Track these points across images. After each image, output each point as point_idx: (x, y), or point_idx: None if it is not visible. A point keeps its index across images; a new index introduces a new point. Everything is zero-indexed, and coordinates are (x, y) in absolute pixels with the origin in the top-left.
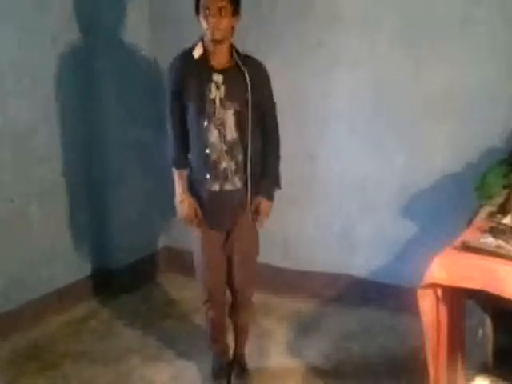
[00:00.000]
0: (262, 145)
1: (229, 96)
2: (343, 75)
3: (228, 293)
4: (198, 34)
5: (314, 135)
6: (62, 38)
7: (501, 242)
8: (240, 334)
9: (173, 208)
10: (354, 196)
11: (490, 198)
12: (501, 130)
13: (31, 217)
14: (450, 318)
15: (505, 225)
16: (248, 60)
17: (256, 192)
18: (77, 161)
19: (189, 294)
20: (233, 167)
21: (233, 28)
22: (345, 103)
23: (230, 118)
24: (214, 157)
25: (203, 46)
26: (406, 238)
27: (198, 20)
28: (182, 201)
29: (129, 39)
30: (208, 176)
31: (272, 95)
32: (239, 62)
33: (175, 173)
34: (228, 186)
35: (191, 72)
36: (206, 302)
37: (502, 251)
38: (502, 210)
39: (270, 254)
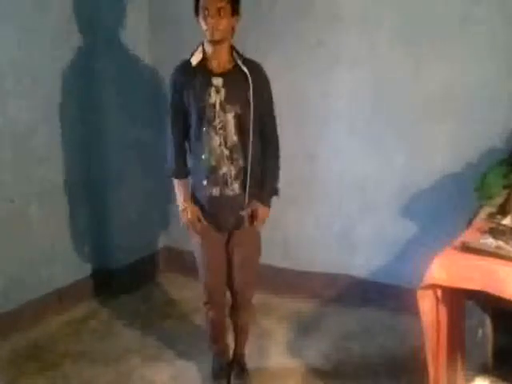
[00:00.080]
0: (262, 148)
1: (229, 99)
2: (343, 75)
3: (228, 293)
4: (198, 35)
5: (314, 135)
6: (62, 38)
7: (501, 243)
8: (240, 335)
9: (173, 208)
10: (353, 196)
11: (490, 198)
12: (501, 129)
13: (31, 217)
14: (449, 319)
15: (505, 226)
16: (247, 62)
17: (253, 197)
18: (77, 161)
19: (189, 294)
20: (233, 172)
21: (233, 29)
22: (345, 103)
23: (230, 121)
24: (213, 162)
25: (203, 49)
26: (405, 237)
27: (198, 21)
28: (185, 209)
29: (128, 40)
30: (207, 181)
31: (271, 98)
32: (240, 63)
33: (175, 182)
34: (228, 192)
35: (190, 81)
36: (206, 303)
37: (502, 252)
38: (502, 211)
39: (270, 254)
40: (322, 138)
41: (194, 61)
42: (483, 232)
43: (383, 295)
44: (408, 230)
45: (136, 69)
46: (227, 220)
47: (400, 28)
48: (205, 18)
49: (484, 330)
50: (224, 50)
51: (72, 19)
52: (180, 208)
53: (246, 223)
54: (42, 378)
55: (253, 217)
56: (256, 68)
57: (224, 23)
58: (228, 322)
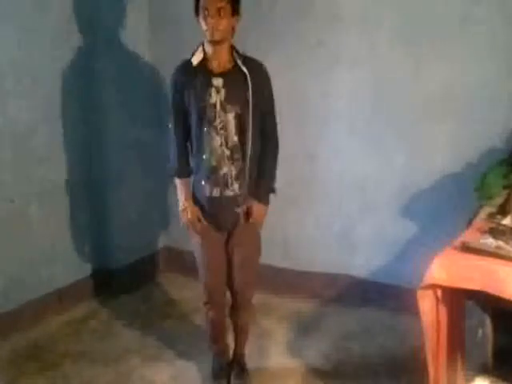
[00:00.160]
0: (261, 146)
1: (229, 99)
2: (343, 75)
3: (228, 293)
4: (198, 35)
5: (314, 135)
6: (62, 38)
7: (501, 243)
8: (240, 335)
9: (172, 208)
10: (353, 196)
11: (490, 198)
12: (501, 129)
13: (31, 217)
14: (449, 319)
15: (505, 226)
16: (248, 61)
17: (250, 195)
18: (77, 161)
19: (189, 294)
20: (233, 172)
21: (233, 29)
22: (345, 103)
23: (230, 121)
24: (214, 162)
25: (203, 50)
26: (406, 237)
27: (198, 21)
28: (185, 209)
29: (128, 40)
30: (207, 182)
31: (272, 96)
32: (240, 63)
33: (177, 181)
34: (228, 192)
35: (191, 81)
36: (206, 303)
37: (502, 252)
38: (502, 211)
39: (270, 254)
40: (322, 137)
41: (195, 61)
42: (483, 232)
43: (383, 295)
44: (408, 230)
45: (136, 69)
46: (227, 220)
47: (400, 28)
48: (205, 18)
49: (484, 329)
50: (224, 50)
51: (72, 19)
52: (180, 208)
53: (242, 220)
54: (42, 378)
55: (249, 214)
56: (256, 67)
57: (224, 23)
58: (228, 321)
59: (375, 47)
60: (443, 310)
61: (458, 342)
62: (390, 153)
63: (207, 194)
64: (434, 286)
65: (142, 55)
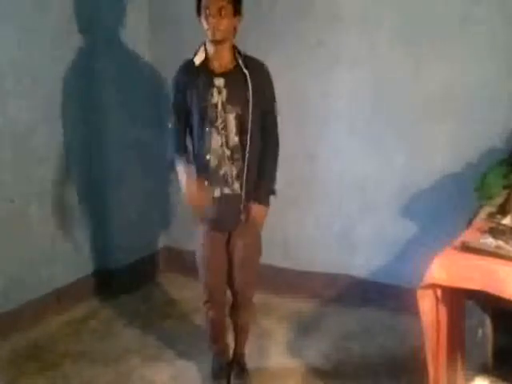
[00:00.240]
0: (262, 146)
1: (230, 100)
2: (343, 75)
3: (229, 293)
4: (198, 35)
5: (314, 135)
6: (62, 38)
7: (500, 243)
8: (240, 334)
9: (172, 208)
10: (353, 196)
11: (490, 198)
12: (501, 129)
13: (31, 217)
14: (449, 319)
15: (504, 225)
16: (250, 61)
17: (251, 195)
18: (77, 161)
19: (189, 293)
20: (233, 172)
21: (235, 29)
22: (345, 103)
23: (231, 121)
24: (214, 162)
25: (205, 50)
26: (406, 237)
27: (200, 21)
28: (190, 184)
29: (128, 40)
30: (208, 182)
31: (274, 95)
32: (241, 63)
33: (178, 160)
34: (229, 191)
35: (193, 81)
36: (206, 302)
37: (502, 252)
38: (502, 211)
39: (270, 254)
40: (322, 137)
41: (197, 60)
42: (483, 232)
43: (383, 295)
44: (408, 230)
45: (136, 69)
46: (228, 220)
47: (400, 28)
48: (206, 18)
49: (484, 329)
50: (226, 50)
51: (72, 19)
52: (183, 190)
53: (243, 217)
54: (42, 378)
55: (248, 214)
56: (257, 67)
57: (225, 23)
58: (228, 321)
59: (375, 47)
60: (443, 310)
61: (457, 342)
62: (389, 153)
63: (208, 194)
64: (433, 286)
65: (142, 55)
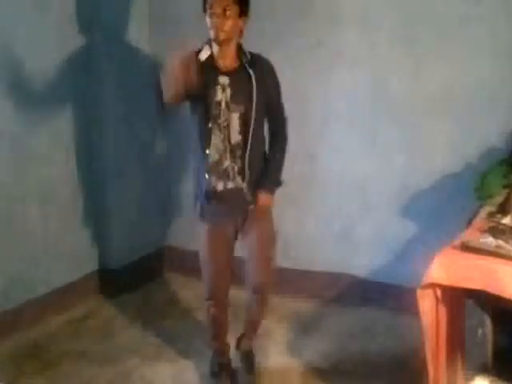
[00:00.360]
0: (269, 140)
1: (234, 99)
2: (343, 75)
3: (229, 293)
4: (198, 35)
5: (314, 135)
6: (62, 38)
7: (500, 242)
8: (251, 330)
9: (173, 208)
10: (353, 196)
11: (490, 198)
12: (501, 129)
13: (31, 217)
14: (449, 318)
15: (504, 225)
16: (255, 59)
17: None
18: (77, 160)
19: (189, 293)
20: (235, 167)
21: (240, 31)
22: (345, 103)
23: (235, 120)
24: (215, 157)
25: (210, 47)
26: (406, 237)
27: (206, 19)
28: (180, 52)
29: (129, 39)
30: (210, 176)
31: (279, 91)
32: (246, 64)
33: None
34: (231, 185)
35: (198, 75)
36: (208, 299)
37: (502, 251)
38: (502, 210)
39: None
40: (321, 137)
41: (203, 56)
42: (483, 231)
43: (383, 295)
44: (408, 230)
45: (136, 69)
46: (233, 214)
47: (400, 28)
48: (210, 17)
49: (484, 329)
50: (230, 50)
51: (72, 19)
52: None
53: (252, 207)
54: (42, 378)
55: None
56: (263, 64)
57: (229, 24)
58: (228, 321)
59: (375, 47)
60: (443, 310)
61: (457, 342)
62: (389, 153)
63: (212, 187)
64: (433, 286)
65: (141, 55)
